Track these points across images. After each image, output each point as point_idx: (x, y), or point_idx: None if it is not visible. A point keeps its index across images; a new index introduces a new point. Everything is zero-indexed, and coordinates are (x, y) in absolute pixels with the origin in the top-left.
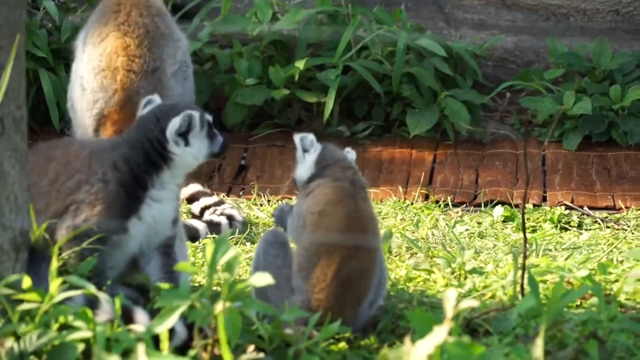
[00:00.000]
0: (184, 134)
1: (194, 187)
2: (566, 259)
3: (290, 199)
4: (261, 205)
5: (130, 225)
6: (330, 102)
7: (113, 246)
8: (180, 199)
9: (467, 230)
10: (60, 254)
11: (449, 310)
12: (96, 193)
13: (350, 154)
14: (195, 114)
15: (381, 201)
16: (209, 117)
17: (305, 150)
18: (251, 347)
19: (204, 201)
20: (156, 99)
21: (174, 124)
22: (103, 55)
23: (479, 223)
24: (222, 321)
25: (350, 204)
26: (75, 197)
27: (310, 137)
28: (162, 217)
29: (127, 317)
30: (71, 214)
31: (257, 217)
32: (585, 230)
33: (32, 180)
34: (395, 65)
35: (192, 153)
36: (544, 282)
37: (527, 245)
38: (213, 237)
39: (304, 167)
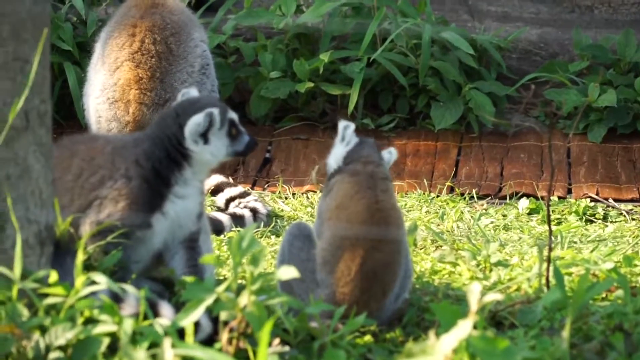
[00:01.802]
0: (203, 132)
1: (217, 178)
2: (591, 251)
3: (315, 191)
4: (286, 198)
5: (154, 220)
6: (354, 95)
7: (137, 241)
8: (204, 193)
9: (492, 222)
10: (85, 249)
11: (474, 304)
12: (119, 189)
13: (390, 154)
14: (216, 111)
15: (406, 194)
16: (232, 115)
17: (343, 139)
18: (276, 341)
19: (228, 192)
20: (192, 92)
21: (194, 121)
22: (117, 86)
23: (504, 215)
24: (269, 325)
25: (369, 196)
26: (99, 193)
27: (352, 128)
28: (186, 213)
29: (152, 311)
30: (95, 209)
31: (281, 210)
32: (611, 222)
33: (56, 175)
34: (422, 59)
35: (210, 151)
36: (569, 274)
37: (552, 238)
38: (238, 230)
39: (334, 156)
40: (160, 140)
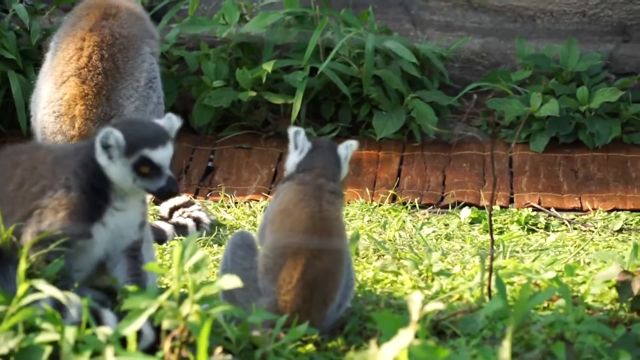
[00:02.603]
0: (107, 149)
1: None
2: (533, 260)
3: (258, 200)
4: (228, 207)
5: (94, 231)
6: (297, 104)
7: (78, 250)
8: (147, 202)
9: (434, 232)
10: (27, 258)
11: (415, 313)
12: (59, 199)
13: (347, 148)
14: (117, 134)
15: (348, 203)
16: (151, 154)
17: (296, 146)
18: (218, 349)
19: (172, 201)
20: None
21: (102, 133)
22: (63, 100)
23: (446, 225)
24: (206, 331)
25: (313, 205)
26: (39, 202)
27: (302, 133)
28: (127, 224)
29: (95, 320)
30: (35, 218)
31: (224, 219)
32: (553, 232)
33: None
34: (365, 68)
35: (114, 172)
36: (511, 284)
37: (494, 247)
38: (180, 239)
39: (289, 162)
40: (91, 153)
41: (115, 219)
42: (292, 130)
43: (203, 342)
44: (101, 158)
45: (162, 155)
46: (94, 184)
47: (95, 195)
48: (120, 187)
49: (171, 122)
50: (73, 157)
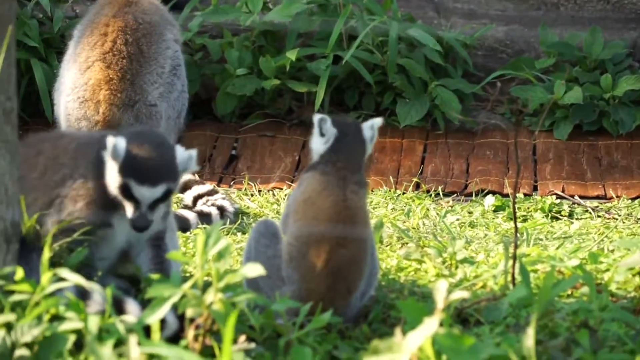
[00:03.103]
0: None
1: (184, 176)
2: (557, 248)
3: (281, 189)
4: (252, 195)
5: (114, 220)
6: (321, 92)
7: (100, 239)
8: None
9: (458, 219)
10: (50, 246)
11: (440, 302)
12: (78, 188)
13: (372, 129)
14: (117, 142)
15: (372, 191)
16: (130, 183)
17: (322, 134)
18: (242, 338)
19: (196, 190)
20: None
21: (109, 140)
22: (87, 85)
23: (470, 212)
24: (232, 320)
25: (337, 194)
26: (60, 192)
27: (329, 121)
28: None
29: (118, 308)
30: (56, 207)
31: (248, 207)
32: (576, 219)
33: (23, 173)
34: (389, 56)
35: (108, 175)
36: (535, 271)
37: (518, 235)
38: (204, 228)
39: (315, 150)
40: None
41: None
42: (317, 117)
43: (229, 331)
44: (105, 154)
45: (145, 194)
46: None
47: None
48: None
49: (189, 161)
50: (95, 146)
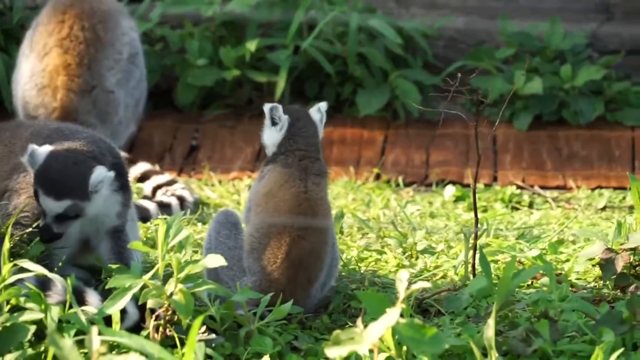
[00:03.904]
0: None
1: (144, 166)
2: (517, 238)
3: (241, 179)
4: (212, 185)
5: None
6: (281, 82)
7: None
8: (129, 189)
9: (418, 210)
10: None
11: (402, 292)
12: (21, 182)
13: (320, 112)
14: (33, 150)
15: (332, 181)
16: (39, 193)
17: (274, 123)
18: (203, 328)
19: (155, 180)
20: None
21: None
22: (45, 72)
23: (430, 203)
24: (199, 320)
25: (298, 185)
26: (7, 184)
27: (280, 109)
28: (99, 212)
29: (78, 299)
30: (5, 200)
31: (208, 198)
32: (536, 209)
33: None
34: (349, 47)
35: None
36: (495, 262)
37: (479, 225)
38: (164, 218)
39: (270, 140)
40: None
41: (75, 226)
42: (267, 107)
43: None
44: (28, 168)
45: (49, 205)
46: None
47: None
48: None
49: (103, 180)
50: (45, 138)
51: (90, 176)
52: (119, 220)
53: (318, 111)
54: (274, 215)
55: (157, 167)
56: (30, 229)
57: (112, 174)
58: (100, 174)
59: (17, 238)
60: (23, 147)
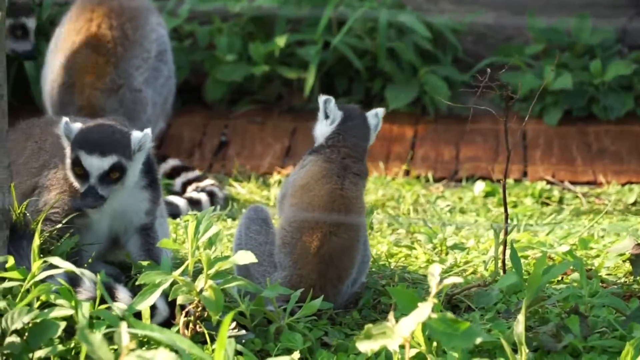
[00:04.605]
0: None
1: (173, 162)
2: (547, 234)
3: (271, 174)
4: (242, 181)
5: (90, 212)
6: (310, 78)
7: (84, 227)
8: (159, 185)
9: (448, 205)
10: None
11: (434, 287)
12: (51, 178)
13: (377, 117)
14: (68, 127)
15: None
16: (82, 155)
17: (327, 116)
18: (233, 324)
19: (185, 176)
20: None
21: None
22: (73, 70)
23: (460, 198)
24: (229, 316)
25: (335, 182)
26: (38, 180)
27: (333, 102)
28: (128, 208)
29: (108, 295)
30: (35, 196)
31: (238, 194)
32: (567, 205)
33: (12, 158)
34: (379, 42)
35: (67, 159)
36: (525, 257)
37: (509, 221)
38: (194, 214)
39: (320, 132)
40: None
41: (110, 203)
42: (322, 99)
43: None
44: (64, 141)
45: (94, 164)
46: None
47: None
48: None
49: (144, 138)
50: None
51: (131, 136)
52: (147, 218)
53: (375, 116)
54: (307, 210)
55: (186, 163)
56: (59, 225)
57: (148, 130)
58: (140, 134)
59: (47, 234)
60: (53, 143)
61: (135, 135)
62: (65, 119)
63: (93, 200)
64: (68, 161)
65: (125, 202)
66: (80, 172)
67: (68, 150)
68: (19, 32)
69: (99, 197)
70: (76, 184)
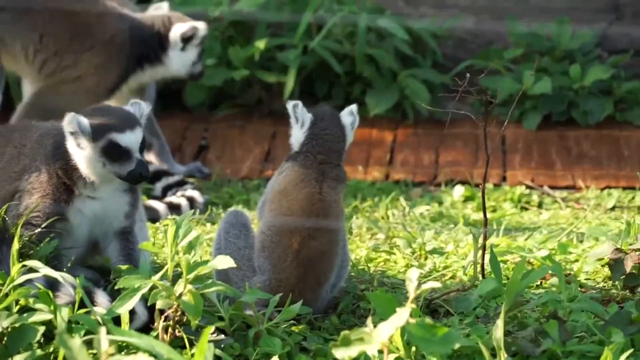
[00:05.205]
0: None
1: (154, 167)
2: (526, 239)
3: (251, 179)
4: (221, 185)
5: (70, 215)
6: (290, 82)
7: (62, 232)
8: (138, 190)
9: (427, 210)
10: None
11: (412, 292)
12: (32, 182)
13: (352, 114)
14: (81, 119)
15: None
16: (120, 138)
17: (297, 120)
18: (212, 329)
19: (165, 180)
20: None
21: (68, 118)
22: None
23: (440, 203)
24: (208, 330)
25: (313, 186)
26: (18, 185)
27: (300, 105)
28: (108, 212)
29: (88, 299)
30: (16, 201)
31: (217, 198)
32: (546, 209)
33: None
34: (358, 47)
35: (84, 159)
36: (505, 262)
37: (488, 225)
38: (173, 218)
39: (295, 138)
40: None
41: (92, 206)
42: (290, 104)
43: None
44: (70, 145)
45: (131, 139)
46: (66, 168)
47: (66, 179)
48: (91, 174)
49: (140, 108)
50: (53, 137)
51: (133, 108)
52: (126, 221)
53: (350, 114)
54: (286, 214)
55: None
56: (39, 229)
57: (143, 102)
58: (140, 104)
59: (26, 239)
60: (33, 148)
61: (136, 107)
62: (70, 115)
63: (147, 169)
64: (92, 154)
65: (106, 206)
66: (119, 153)
67: (86, 145)
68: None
69: (147, 167)
70: (113, 170)
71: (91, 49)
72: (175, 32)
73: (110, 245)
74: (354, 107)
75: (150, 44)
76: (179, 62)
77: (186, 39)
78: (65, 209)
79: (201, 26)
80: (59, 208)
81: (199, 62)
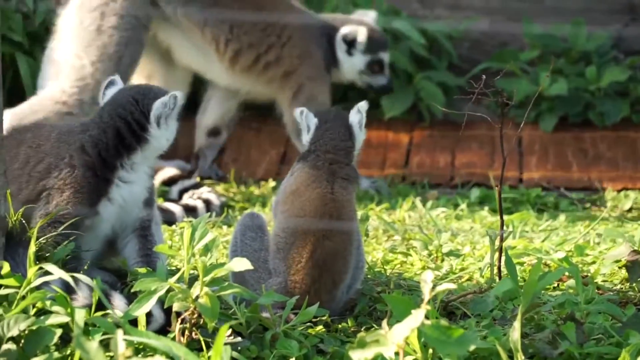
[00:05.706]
0: (166, 115)
1: (170, 171)
2: (543, 240)
3: (267, 181)
4: (238, 188)
5: (101, 207)
6: None
7: (86, 229)
8: (153, 179)
9: (443, 212)
10: (37, 240)
11: (427, 293)
12: (64, 178)
13: (359, 112)
14: (178, 95)
15: None
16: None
17: (305, 125)
18: (229, 331)
19: (182, 183)
20: (117, 80)
21: (161, 102)
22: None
23: (456, 205)
24: (225, 327)
25: (324, 186)
26: (46, 183)
27: (306, 111)
28: (133, 198)
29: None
30: (44, 200)
31: (234, 200)
32: (562, 211)
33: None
34: None
35: (166, 136)
36: (521, 264)
37: (504, 227)
38: (190, 221)
39: (305, 142)
40: (110, 125)
41: (121, 192)
42: (297, 111)
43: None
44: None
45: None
46: (106, 158)
47: (103, 169)
48: (161, 149)
49: None
50: (80, 134)
51: None
52: (145, 210)
53: (357, 112)
54: (299, 215)
55: (183, 169)
56: (68, 222)
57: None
58: None
59: (44, 241)
60: (54, 147)
61: None
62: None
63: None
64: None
65: (133, 190)
66: (378, 69)
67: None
68: (376, 67)
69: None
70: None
71: (289, 40)
72: (339, 34)
73: (128, 246)
74: (361, 105)
75: (330, 43)
76: (347, 66)
77: (348, 43)
78: (98, 202)
79: (361, 30)
80: (93, 200)
81: (377, 73)
